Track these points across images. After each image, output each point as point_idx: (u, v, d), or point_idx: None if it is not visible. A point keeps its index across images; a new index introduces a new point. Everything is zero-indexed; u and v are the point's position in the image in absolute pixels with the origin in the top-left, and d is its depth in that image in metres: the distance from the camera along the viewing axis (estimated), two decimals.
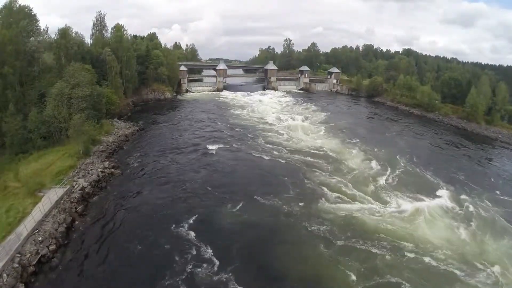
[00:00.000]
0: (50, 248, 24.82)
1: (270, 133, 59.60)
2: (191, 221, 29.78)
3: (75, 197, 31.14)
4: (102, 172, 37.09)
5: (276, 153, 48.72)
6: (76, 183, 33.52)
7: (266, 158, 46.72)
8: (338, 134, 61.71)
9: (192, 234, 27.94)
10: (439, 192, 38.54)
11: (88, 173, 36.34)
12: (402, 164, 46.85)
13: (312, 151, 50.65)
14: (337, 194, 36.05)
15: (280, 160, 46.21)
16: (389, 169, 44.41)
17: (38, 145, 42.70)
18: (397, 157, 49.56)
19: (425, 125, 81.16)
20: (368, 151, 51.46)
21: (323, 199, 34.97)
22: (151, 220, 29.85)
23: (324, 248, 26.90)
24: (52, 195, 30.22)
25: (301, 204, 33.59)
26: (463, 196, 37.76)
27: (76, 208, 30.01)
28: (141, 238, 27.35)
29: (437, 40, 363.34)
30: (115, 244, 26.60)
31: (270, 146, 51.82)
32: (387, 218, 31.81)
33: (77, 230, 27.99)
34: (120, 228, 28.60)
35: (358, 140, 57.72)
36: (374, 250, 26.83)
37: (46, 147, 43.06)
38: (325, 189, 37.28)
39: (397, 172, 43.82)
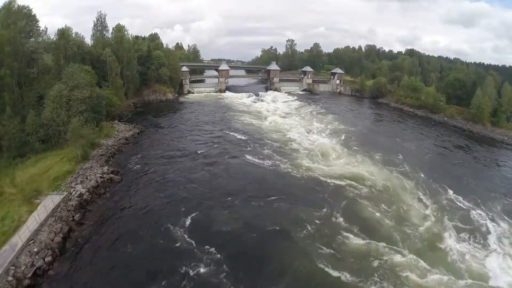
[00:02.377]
0: (46, 259, 23.70)
1: (277, 143, 54.37)
2: (193, 230, 28.70)
3: (72, 205, 29.99)
4: (101, 177, 35.88)
5: (283, 165, 44.37)
6: (74, 190, 32.36)
7: (273, 169, 43.42)
8: (355, 144, 56.21)
9: (195, 244, 26.82)
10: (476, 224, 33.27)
11: (87, 178, 35.16)
12: (430, 183, 41.86)
13: (330, 166, 45.32)
14: (359, 225, 30.85)
15: (289, 172, 42.57)
16: (419, 194, 38.44)
17: (36, 148, 41.62)
18: (417, 169, 45.93)
19: (431, 127, 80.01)
20: (390, 166, 46.46)
21: (343, 228, 30.42)
22: (151, 229, 28.69)
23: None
24: (48, 203, 29.05)
25: (313, 226, 30.39)
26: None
27: (73, 217, 28.86)
28: (140, 248, 26.27)
29: (439, 40, 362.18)
30: (114, 255, 25.49)
31: (279, 157, 47.52)
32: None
33: (74, 240, 26.82)
34: (119, 237, 27.39)
35: (379, 153, 51.42)
36: None
37: (44, 151, 42.01)
38: (344, 214, 32.87)
39: (426, 198, 37.86)
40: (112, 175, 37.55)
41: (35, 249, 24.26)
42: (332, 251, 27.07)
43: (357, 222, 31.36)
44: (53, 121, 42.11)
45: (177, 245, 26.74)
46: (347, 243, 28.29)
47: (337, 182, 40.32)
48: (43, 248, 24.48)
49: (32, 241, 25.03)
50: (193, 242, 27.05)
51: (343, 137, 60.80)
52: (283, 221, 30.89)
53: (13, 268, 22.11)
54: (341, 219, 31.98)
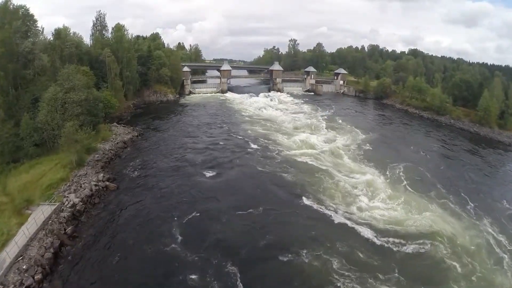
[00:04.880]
0: (35, 277, 22.11)
1: (288, 155, 48.92)
2: (191, 243, 27.03)
3: (64, 216, 28.29)
4: (95, 185, 34.15)
5: (292, 179, 40.29)
6: (67, 199, 30.62)
7: (281, 183, 39.66)
8: (375, 156, 50.63)
9: (192, 258, 25.26)
10: None
11: (81, 186, 33.43)
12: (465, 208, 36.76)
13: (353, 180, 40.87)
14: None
15: (300, 187, 38.27)
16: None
17: (31, 153, 39.90)
18: (447, 188, 41.31)
19: (439, 130, 78.17)
20: (424, 191, 39.61)
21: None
22: (147, 242, 26.97)
23: None
24: (39, 215, 27.37)
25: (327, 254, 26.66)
26: None
27: (65, 229, 27.17)
28: (135, 263, 24.80)
29: (441, 40, 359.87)
30: (107, 270, 23.92)
31: (291, 168, 43.53)
32: None
33: (66, 256, 25.16)
34: (113, 251, 25.77)
35: (401, 167, 46.47)
36: None
37: (39, 156, 40.37)
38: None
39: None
40: (107, 183, 35.82)
41: (24, 266, 22.72)
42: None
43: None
44: (47, 125, 40.33)
45: (174, 259, 25.24)
46: None
47: (362, 204, 35.07)
48: (33, 265, 22.93)
49: (21, 257, 23.45)
50: (190, 255, 25.55)
51: (362, 148, 55.16)
52: (288, 241, 28.24)
53: (1, 287, 20.76)
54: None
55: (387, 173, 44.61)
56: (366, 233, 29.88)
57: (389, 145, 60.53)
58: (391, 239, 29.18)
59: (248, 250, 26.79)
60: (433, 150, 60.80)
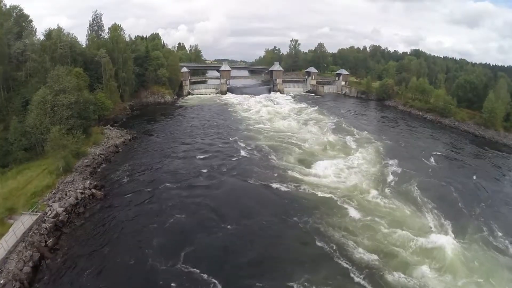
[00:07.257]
0: None
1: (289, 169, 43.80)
2: (177, 257, 25.41)
3: (46, 228, 26.80)
4: (81, 193, 32.55)
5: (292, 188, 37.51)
6: (50, 209, 29.19)
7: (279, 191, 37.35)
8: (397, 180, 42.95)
9: (179, 272, 23.81)
10: None
11: (66, 194, 31.93)
12: None
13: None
14: None
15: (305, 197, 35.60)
16: None
17: (20, 158, 38.69)
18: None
19: (444, 133, 76.39)
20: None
21: None
22: (130, 257, 25.37)
23: None
24: (19, 226, 26.02)
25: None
26: None
27: (46, 242, 25.71)
28: (118, 279, 23.30)
29: (443, 40, 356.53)
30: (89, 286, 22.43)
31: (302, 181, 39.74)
32: None
33: (46, 270, 23.70)
34: (95, 266, 24.23)
35: (419, 194, 38.55)
36: None
37: (28, 160, 39.16)
38: None
39: None
40: (94, 191, 34.05)
41: (1, 281, 21.54)
42: None
43: None
44: (36, 129, 38.91)
45: (156, 271, 23.89)
46: None
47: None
48: (11, 280, 21.68)
49: None
50: (173, 268, 24.28)
51: (385, 165, 47.40)
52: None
53: None
54: None
55: (420, 208, 35.58)
56: None
57: (408, 156, 53.50)
58: None
59: (233, 265, 25.21)
60: (449, 155, 58.09)
